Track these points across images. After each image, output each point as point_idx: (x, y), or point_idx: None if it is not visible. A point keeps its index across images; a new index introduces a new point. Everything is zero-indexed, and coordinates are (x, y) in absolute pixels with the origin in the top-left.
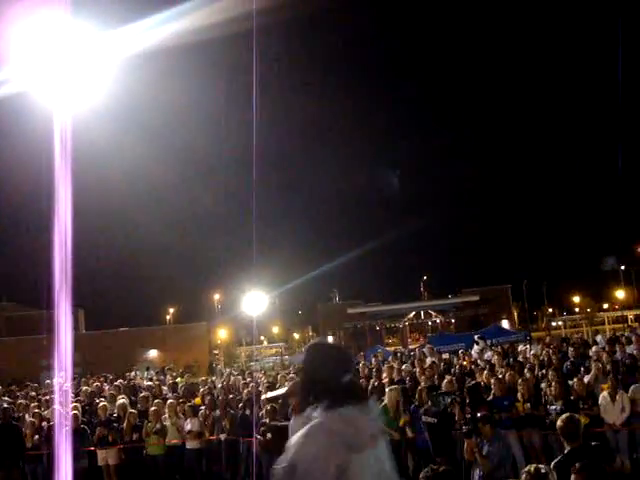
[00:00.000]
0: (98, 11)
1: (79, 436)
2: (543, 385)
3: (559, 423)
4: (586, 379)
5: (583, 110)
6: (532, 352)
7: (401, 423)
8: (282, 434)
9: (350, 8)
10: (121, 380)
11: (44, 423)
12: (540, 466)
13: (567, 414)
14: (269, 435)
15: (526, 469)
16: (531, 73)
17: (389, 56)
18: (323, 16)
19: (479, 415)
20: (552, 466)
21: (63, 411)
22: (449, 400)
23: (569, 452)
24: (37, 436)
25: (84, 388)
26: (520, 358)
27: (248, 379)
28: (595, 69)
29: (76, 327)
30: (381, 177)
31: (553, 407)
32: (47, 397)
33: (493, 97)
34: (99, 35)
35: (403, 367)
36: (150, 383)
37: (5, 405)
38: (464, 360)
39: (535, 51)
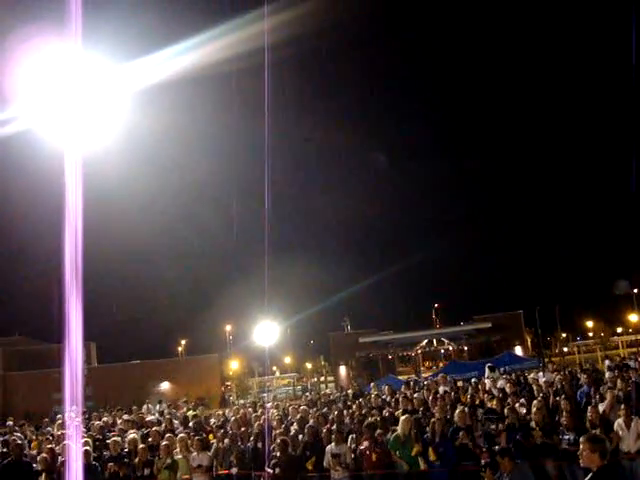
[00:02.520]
0: (108, 46)
1: (91, 472)
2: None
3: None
4: (601, 407)
5: (595, 130)
6: (544, 379)
7: (413, 453)
8: (293, 468)
9: (358, 41)
10: (128, 415)
11: (59, 458)
12: None
13: (592, 433)
14: (278, 470)
15: None
16: (540, 93)
17: (402, 81)
18: (333, 49)
19: (497, 448)
20: None
21: (74, 447)
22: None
23: (598, 470)
24: (49, 472)
25: (95, 423)
26: (533, 386)
27: (260, 411)
28: (608, 85)
29: (88, 361)
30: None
31: (567, 436)
32: (59, 432)
33: (505, 117)
34: (110, 69)
35: (415, 395)
36: (156, 417)
37: (18, 441)
38: (477, 390)
39: (546, 65)
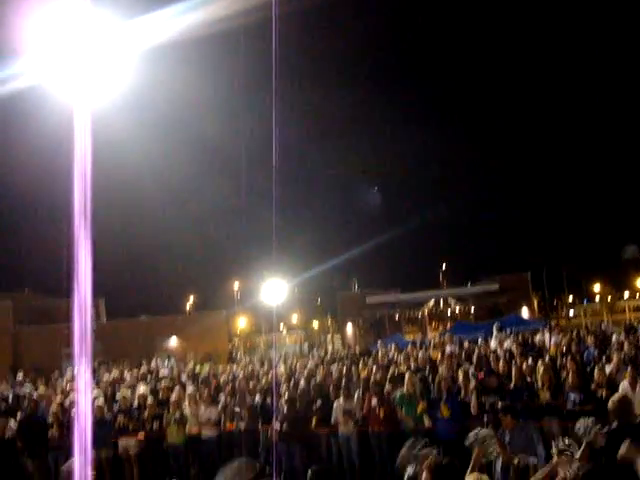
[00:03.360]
0: (117, 1)
1: (104, 426)
2: (563, 374)
3: (610, 404)
4: (607, 369)
5: (607, 93)
6: (552, 341)
7: (418, 410)
8: (299, 424)
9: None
10: (137, 370)
11: (70, 412)
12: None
13: (621, 394)
14: (286, 425)
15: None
16: (554, 55)
17: (412, 47)
18: (345, 5)
19: (500, 405)
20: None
21: (85, 400)
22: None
23: (619, 426)
24: (59, 426)
25: (105, 377)
26: (540, 347)
27: (267, 367)
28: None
29: (97, 316)
30: (366, 189)
31: (572, 396)
32: (69, 386)
33: (514, 77)
34: (118, 26)
35: (420, 355)
36: (165, 372)
37: (34, 397)
38: (483, 350)
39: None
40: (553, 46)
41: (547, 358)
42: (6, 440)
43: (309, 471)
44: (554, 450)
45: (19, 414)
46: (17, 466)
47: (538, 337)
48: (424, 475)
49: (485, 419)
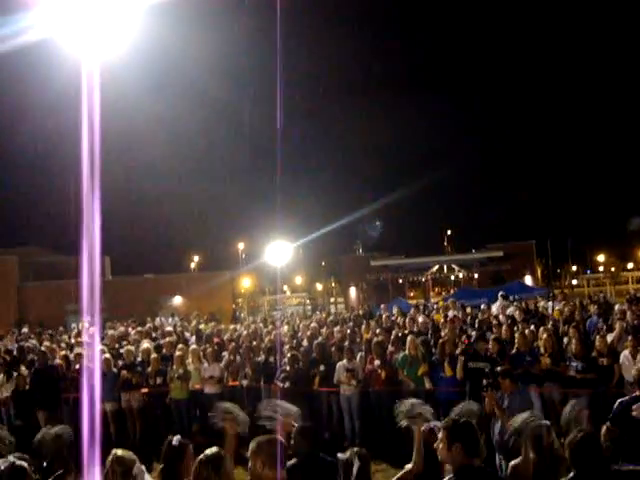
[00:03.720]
0: None
1: (111, 379)
2: (565, 341)
3: (634, 372)
4: (609, 337)
5: (612, 63)
6: (557, 308)
7: (419, 372)
8: (301, 383)
9: None
10: (141, 326)
11: (75, 365)
12: (543, 421)
13: None
14: (288, 383)
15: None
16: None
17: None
18: None
19: (499, 369)
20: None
21: (91, 354)
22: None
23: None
24: (64, 379)
25: (110, 332)
26: (542, 313)
27: (270, 327)
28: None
29: (102, 273)
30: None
31: (574, 364)
32: (74, 341)
33: (520, 46)
34: None
35: (420, 319)
36: (171, 328)
37: (42, 349)
38: (487, 315)
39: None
40: (561, 26)
41: (550, 325)
42: (21, 392)
43: (294, 428)
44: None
45: (23, 367)
46: (33, 417)
47: (541, 304)
48: (441, 434)
49: (467, 386)
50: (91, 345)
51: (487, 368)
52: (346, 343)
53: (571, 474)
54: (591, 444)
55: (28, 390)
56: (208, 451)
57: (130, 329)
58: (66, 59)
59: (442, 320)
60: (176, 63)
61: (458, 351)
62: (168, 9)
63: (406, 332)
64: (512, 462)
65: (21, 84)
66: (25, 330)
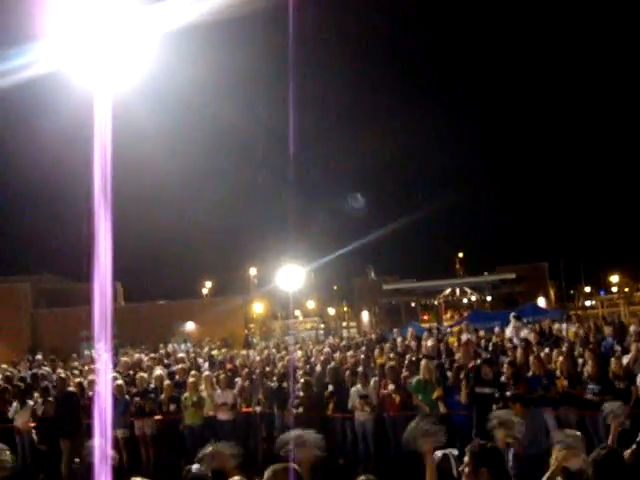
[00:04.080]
0: None
1: (123, 406)
2: (580, 362)
3: None
4: (625, 360)
5: (626, 80)
6: (572, 330)
7: (434, 396)
8: (315, 408)
9: None
10: (154, 353)
11: (88, 392)
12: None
13: None
14: (301, 409)
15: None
16: (572, 45)
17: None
18: None
19: (509, 394)
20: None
21: (105, 382)
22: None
23: None
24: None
25: (123, 360)
26: (557, 336)
27: (284, 352)
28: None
29: (115, 300)
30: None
31: (590, 387)
32: (87, 368)
33: (533, 63)
34: (137, 11)
35: (429, 343)
36: (183, 355)
37: (62, 375)
38: (500, 339)
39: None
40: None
41: (565, 347)
42: (45, 419)
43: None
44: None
45: (36, 394)
46: (56, 444)
47: (555, 327)
48: (466, 458)
49: (474, 412)
50: (103, 372)
51: (496, 393)
52: (360, 368)
53: None
54: (615, 461)
55: (52, 417)
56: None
57: (143, 356)
58: (77, 90)
59: (456, 344)
60: (188, 91)
61: (462, 376)
62: (179, 37)
63: (420, 357)
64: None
65: (33, 115)
66: (39, 357)
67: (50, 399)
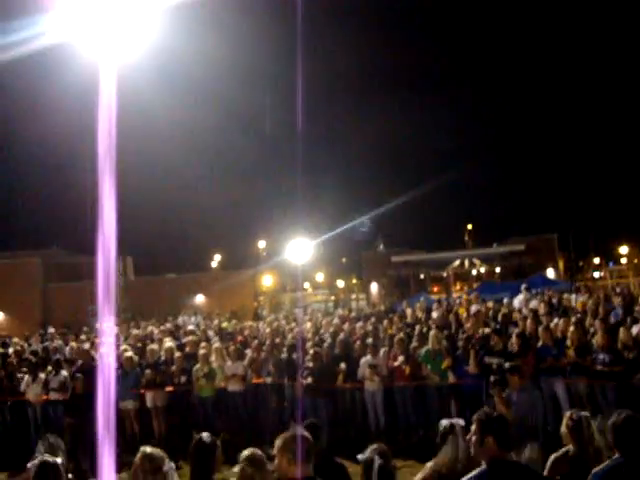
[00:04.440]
0: None
1: (133, 378)
2: (590, 332)
3: None
4: (634, 330)
5: (628, 62)
6: (580, 300)
7: (443, 366)
8: (325, 379)
9: None
10: (168, 324)
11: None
12: (583, 412)
13: None
14: (311, 379)
15: (567, 414)
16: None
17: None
18: None
19: (507, 365)
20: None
21: (112, 353)
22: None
23: None
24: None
25: (134, 332)
26: (566, 307)
27: (293, 324)
28: None
29: (125, 273)
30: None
31: (600, 357)
32: (97, 340)
33: (539, 50)
34: None
35: (434, 315)
36: (193, 327)
37: (84, 347)
38: (509, 310)
39: None
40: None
41: (575, 317)
42: (76, 395)
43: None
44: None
45: (49, 367)
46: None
47: (565, 296)
48: (473, 427)
49: (491, 379)
50: (108, 345)
51: (503, 364)
52: (369, 339)
53: (616, 455)
54: (635, 425)
55: (82, 393)
56: (248, 451)
57: (154, 328)
58: (82, 61)
59: (465, 314)
60: (194, 65)
61: (470, 346)
62: (186, 11)
63: (429, 326)
64: (553, 455)
65: (39, 88)
66: (52, 330)
67: (78, 375)
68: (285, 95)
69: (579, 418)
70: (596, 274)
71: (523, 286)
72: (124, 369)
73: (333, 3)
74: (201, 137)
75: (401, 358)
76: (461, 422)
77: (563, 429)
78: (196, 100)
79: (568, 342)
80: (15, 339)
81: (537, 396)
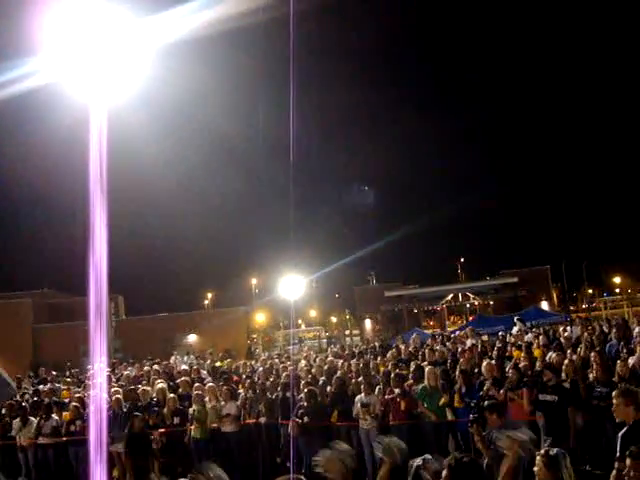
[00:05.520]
0: None
1: (125, 419)
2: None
3: None
4: (631, 361)
5: (624, 91)
6: (575, 334)
7: (440, 403)
8: (320, 418)
9: None
10: (157, 365)
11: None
12: (557, 449)
13: (625, 387)
14: (307, 418)
15: (542, 451)
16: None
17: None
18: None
19: (485, 404)
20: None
21: (103, 395)
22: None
23: (635, 423)
24: (80, 419)
25: (125, 373)
26: (562, 339)
27: (287, 362)
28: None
29: (116, 313)
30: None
31: (598, 389)
32: (89, 382)
33: (538, 67)
34: (133, 24)
35: (437, 348)
36: (186, 367)
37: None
38: (504, 342)
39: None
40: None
41: (570, 351)
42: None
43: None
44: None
45: (40, 411)
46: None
47: (560, 330)
48: (444, 472)
49: (470, 417)
50: (100, 386)
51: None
52: (360, 378)
53: None
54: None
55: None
56: None
57: (145, 368)
58: (73, 102)
59: (460, 350)
60: (184, 103)
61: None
62: (176, 51)
63: (423, 364)
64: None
65: (29, 128)
66: (43, 371)
67: (137, 414)
68: (277, 130)
69: (555, 454)
70: (586, 305)
71: (515, 318)
72: (114, 411)
73: (326, 38)
74: (192, 174)
75: (397, 391)
76: (428, 457)
77: (537, 466)
78: (186, 137)
79: (563, 375)
80: None
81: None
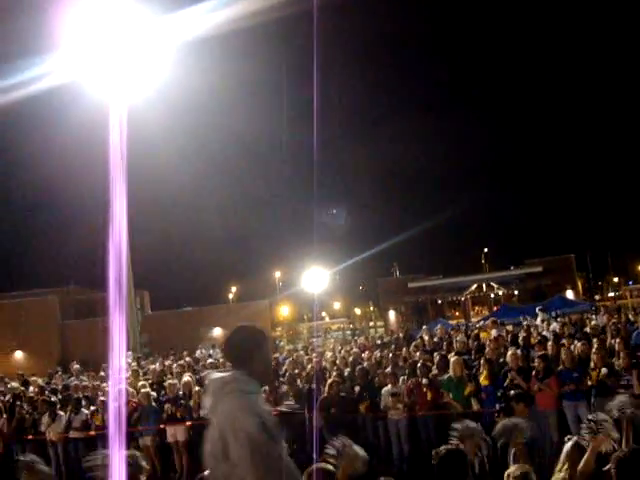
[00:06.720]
0: None
1: (152, 413)
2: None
3: None
4: None
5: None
6: (600, 322)
7: (466, 392)
8: (346, 409)
9: None
10: (187, 358)
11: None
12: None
13: None
14: (332, 409)
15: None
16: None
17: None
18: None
19: (512, 393)
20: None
21: (129, 391)
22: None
23: None
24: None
25: (152, 367)
26: (588, 329)
27: (312, 355)
28: None
29: (142, 309)
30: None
31: (624, 378)
32: (114, 376)
33: (556, 65)
34: (153, 22)
35: (458, 338)
36: (213, 361)
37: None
38: (528, 332)
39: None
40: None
41: (596, 339)
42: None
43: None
44: (585, 430)
45: (70, 406)
46: None
47: (592, 323)
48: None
49: (497, 407)
50: (120, 382)
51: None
52: (388, 368)
53: None
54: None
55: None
56: None
57: (171, 362)
58: (92, 100)
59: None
60: (206, 100)
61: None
62: (194, 47)
63: (448, 355)
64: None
65: (49, 126)
66: (77, 366)
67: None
68: (299, 125)
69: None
70: (612, 294)
71: (538, 308)
72: (142, 405)
73: (346, 35)
74: (213, 170)
75: (425, 381)
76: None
77: (563, 457)
78: (208, 134)
79: (592, 364)
80: (32, 377)
81: (545, 424)
